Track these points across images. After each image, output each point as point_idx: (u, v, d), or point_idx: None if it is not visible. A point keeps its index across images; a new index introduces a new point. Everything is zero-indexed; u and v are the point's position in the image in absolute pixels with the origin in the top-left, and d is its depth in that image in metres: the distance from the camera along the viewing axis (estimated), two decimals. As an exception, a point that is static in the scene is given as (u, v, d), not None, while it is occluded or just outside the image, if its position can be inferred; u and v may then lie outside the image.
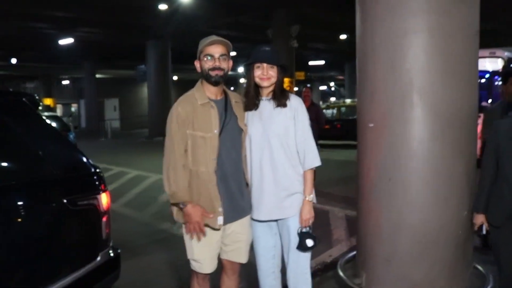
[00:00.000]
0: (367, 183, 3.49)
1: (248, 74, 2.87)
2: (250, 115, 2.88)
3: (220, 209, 2.76)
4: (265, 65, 2.79)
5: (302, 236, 2.80)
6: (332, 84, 51.04)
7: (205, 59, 2.76)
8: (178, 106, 2.78)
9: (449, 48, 3.19)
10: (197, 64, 2.83)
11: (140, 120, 33.67)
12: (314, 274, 3.91)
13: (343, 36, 24.16)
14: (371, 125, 3.40)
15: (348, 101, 21.33)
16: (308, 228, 2.82)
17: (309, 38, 22.18)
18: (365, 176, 3.51)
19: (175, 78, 30.29)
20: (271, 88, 2.84)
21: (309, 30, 19.99)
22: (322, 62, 32.62)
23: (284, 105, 2.81)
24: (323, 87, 50.45)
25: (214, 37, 2.77)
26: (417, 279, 3.28)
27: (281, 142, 2.80)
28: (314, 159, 2.83)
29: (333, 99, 44.01)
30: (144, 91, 30.02)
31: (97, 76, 34.00)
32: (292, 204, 2.83)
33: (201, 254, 2.84)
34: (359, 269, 3.68)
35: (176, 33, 21.06)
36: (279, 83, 2.84)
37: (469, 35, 3.26)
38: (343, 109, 19.49)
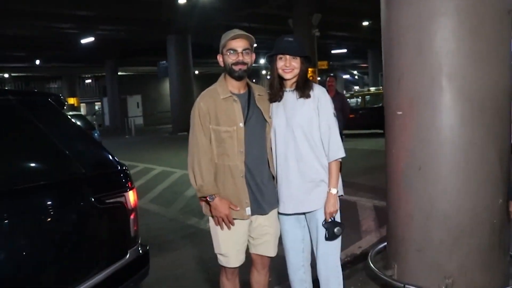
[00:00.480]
0: (396, 172, 3.40)
1: (271, 65, 2.82)
2: (275, 106, 2.84)
3: (247, 201, 2.76)
4: (287, 56, 2.73)
5: (329, 226, 2.75)
6: (355, 72, 50.48)
7: (228, 53, 2.73)
8: (200, 101, 2.77)
9: (479, 29, 3.06)
10: (219, 58, 2.81)
11: (163, 116, 33.98)
12: (344, 266, 3.85)
13: (365, 23, 23.83)
14: (399, 112, 3.31)
15: (372, 89, 20.99)
16: (332, 219, 2.76)
17: (331, 26, 21.94)
18: (394, 165, 3.43)
19: (196, 72, 30.37)
20: (294, 79, 2.78)
21: (331, 18, 19.79)
22: (344, 51, 32.27)
23: (308, 96, 2.76)
24: (346, 76, 49.92)
25: (237, 31, 2.74)
26: (451, 269, 3.19)
27: (305, 133, 2.75)
28: (338, 151, 2.76)
29: (356, 87, 43.55)
30: (166, 86, 30.25)
31: (119, 73, 34.35)
32: (320, 196, 2.78)
33: (227, 248, 2.84)
34: (390, 260, 3.60)
35: (196, 27, 21.07)
36: (302, 74, 2.78)
37: (501, 14, 3.11)
38: (367, 97, 19.21)
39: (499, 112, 3.17)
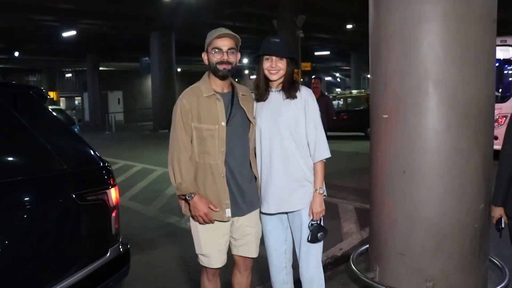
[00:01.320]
0: (380, 175, 3.42)
1: (258, 66, 2.81)
2: (259, 106, 2.83)
3: (227, 202, 2.73)
4: (273, 57, 2.72)
5: (314, 229, 2.75)
6: (337, 74, 50.81)
7: (213, 52, 2.71)
8: (183, 98, 2.74)
9: (466, 36, 3.09)
10: (204, 56, 2.79)
11: (144, 112, 33.68)
12: (325, 267, 3.83)
13: (349, 26, 24.00)
14: (385, 116, 3.32)
15: (354, 92, 21.15)
16: (317, 222, 2.76)
17: (315, 28, 22.04)
18: (379, 169, 3.44)
19: (178, 70, 30.16)
20: (280, 80, 2.78)
21: (315, 19, 19.86)
22: (327, 52, 32.46)
23: (294, 97, 2.76)
24: (328, 78, 50.22)
25: (223, 30, 2.72)
26: (433, 272, 3.21)
27: (291, 133, 2.75)
28: (324, 151, 2.78)
29: (338, 90, 43.82)
30: (148, 83, 30.01)
31: (101, 68, 33.91)
32: (303, 195, 2.78)
33: (209, 249, 2.81)
34: (372, 262, 3.62)
35: (180, 24, 20.94)
36: (288, 75, 2.77)
37: (487, 23, 3.15)
38: (349, 100, 19.35)
39: (483, 118, 3.21)
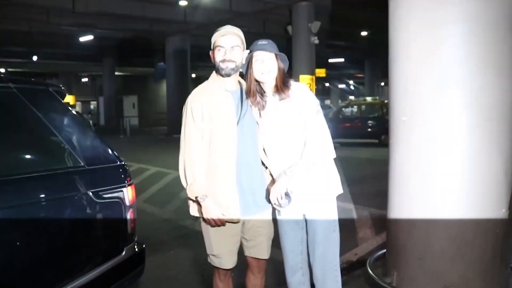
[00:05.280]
0: (399, 178, 3.37)
1: (248, 71, 2.69)
2: (256, 110, 2.75)
3: (238, 202, 2.68)
4: (261, 56, 2.62)
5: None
6: (351, 82, 50.59)
7: (217, 50, 2.68)
8: (193, 97, 2.72)
9: (489, 38, 3.04)
10: (211, 54, 2.75)
11: (158, 117, 33.85)
12: (340, 273, 3.80)
13: (364, 33, 23.92)
14: (404, 118, 3.27)
15: (369, 99, 20.99)
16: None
17: (330, 35, 21.98)
18: (398, 172, 3.39)
19: (193, 75, 30.29)
20: (274, 83, 2.66)
21: (330, 26, 19.83)
22: (341, 60, 32.36)
23: (287, 96, 2.64)
24: (342, 85, 50.05)
25: (227, 28, 2.69)
26: (452, 278, 3.15)
27: (296, 135, 2.65)
28: (313, 153, 2.57)
29: (352, 97, 43.64)
30: (163, 88, 30.15)
31: (116, 73, 34.18)
32: (316, 197, 2.72)
33: (220, 249, 2.78)
34: (389, 267, 3.56)
35: (196, 29, 21.04)
36: (280, 74, 2.65)
37: (509, 22, 3.10)
38: (363, 107, 19.27)
39: (506, 122, 3.15)
